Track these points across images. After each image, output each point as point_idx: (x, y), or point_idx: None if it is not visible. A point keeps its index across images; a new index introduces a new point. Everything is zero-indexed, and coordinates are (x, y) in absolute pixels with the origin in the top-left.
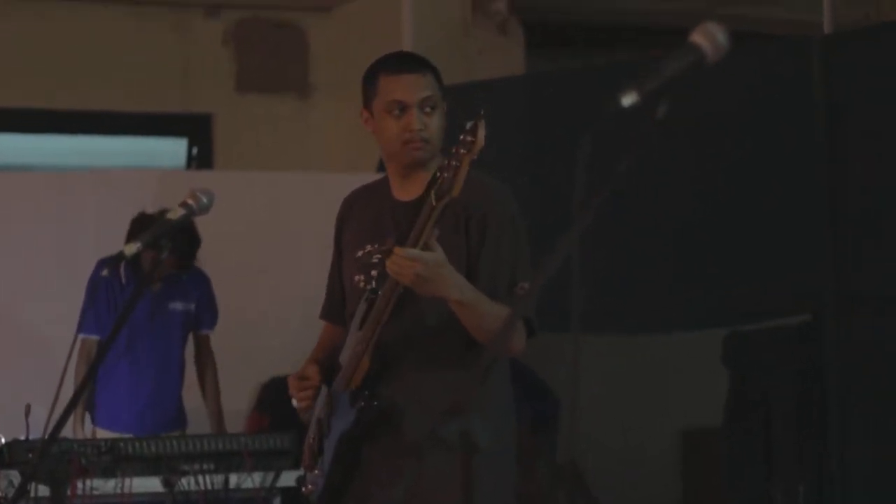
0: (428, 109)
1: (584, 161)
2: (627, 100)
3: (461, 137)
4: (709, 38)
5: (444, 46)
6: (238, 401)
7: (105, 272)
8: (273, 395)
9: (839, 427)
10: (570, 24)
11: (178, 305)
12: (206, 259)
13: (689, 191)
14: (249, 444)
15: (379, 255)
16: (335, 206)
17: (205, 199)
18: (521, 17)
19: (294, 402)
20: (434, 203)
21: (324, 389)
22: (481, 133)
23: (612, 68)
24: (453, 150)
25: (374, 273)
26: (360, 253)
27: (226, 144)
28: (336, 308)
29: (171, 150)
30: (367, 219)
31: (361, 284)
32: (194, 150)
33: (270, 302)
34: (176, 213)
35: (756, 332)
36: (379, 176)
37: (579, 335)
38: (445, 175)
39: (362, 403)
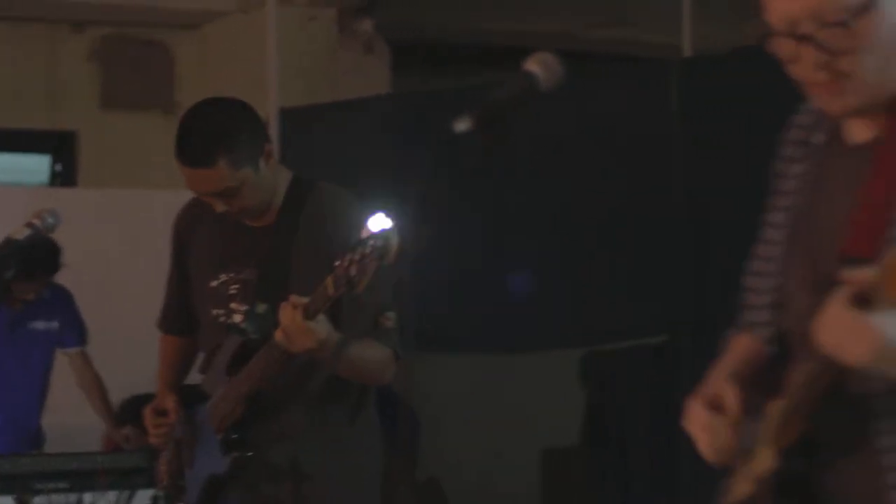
0: (227, 195)
1: (423, 184)
2: (461, 126)
3: (371, 243)
4: (542, 65)
5: (310, 66)
6: (95, 418)
7: None
8: (130, 414)
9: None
10: (436, 44)
11: (39, 324)
12: (70, 276)
13: (550, 212)
14: (104, 463)
15: (236, 287)
16: None
17: (50, 220)
18: (387, 37)
19: (150, 437)
20: (330, 292)
21: (181, 411)
22: (395, 242)
23: (477, 88)
24: (359, 252)
25: (233, 306)
26: (214, 283)
27: (90, 162)
28: (175, 320)
29: (35, 166)
30: (216, 242)
31: (221, 319)
32: (58, 167)
33: (132, 319)
34: (21, 233)
35: (613, 351)
36: None
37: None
38: (351, 272)
39: (236, 454)
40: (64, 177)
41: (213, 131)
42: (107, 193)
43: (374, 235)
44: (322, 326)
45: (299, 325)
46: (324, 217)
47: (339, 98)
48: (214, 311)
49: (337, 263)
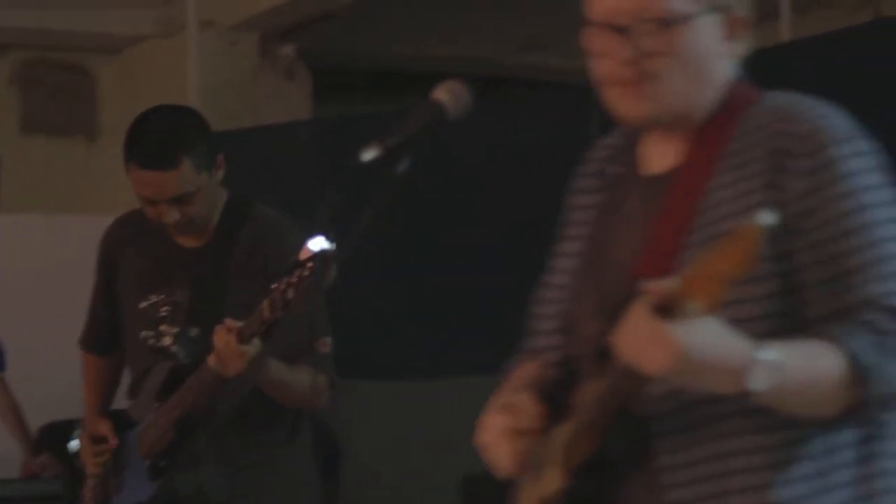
0: (184, 199)
1: (328, 214)
2: (368, 155)
3: (310, 265)
4: (450, 94)
5: (232, 90)
6: (13, 445)
7: None
8: (48, 441)
9: None
10: (356, 69)
11: None
12: None
13: (469, 238)
14: (22, 490)
15: (167, 308)
16: None
17: None
18: (309, 62)
19: (87, 465)
20: (266, 314)
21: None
22: (332, 265)
23: (395, 113)
24: (297, 276)
25: (163, 328)
26: (143, 304)
27: (11, 186)
28: (99, 339)
29: None
30: (146, 262)
31: (151, 341)
32: None
33: (50, 345)
34: None
35: None
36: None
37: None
38: (288, 294)
39: (163, 480)
40: None
41: (175, 133)
42: (27, 218)
43: (313, 257)
44: (255, 350)
45: (233, 349)
46: (262, 240)
47: (260, 123)
48: (143, 334)
49: (273, 286)
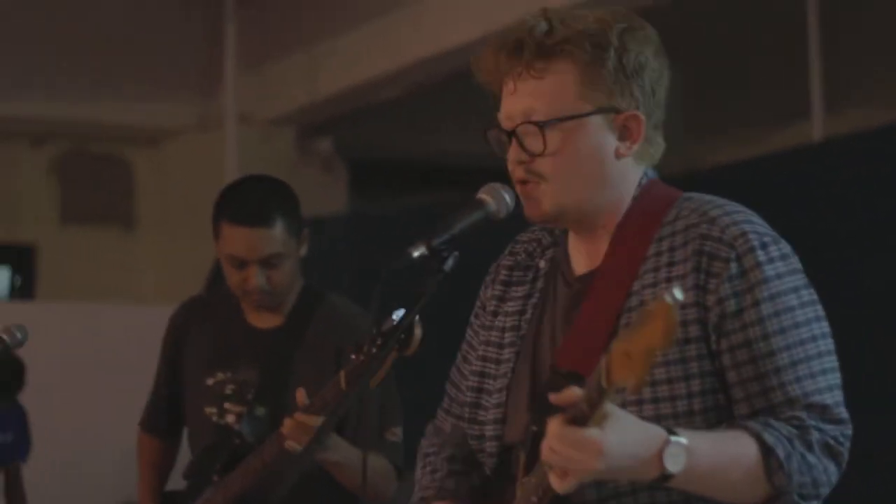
0: (273, 262)
1: (376, 309)
2: (416, 252)
3: (393, 334)
4: (494, 196)
5: None
6: None
7: None
8: None
9: None
10: (395, 163)
11: None
12: (26, 390)
13: None
14: None
15: (233, 387)
16: (154, 337)
17: (19, 335)
18: (345, 156)
19: None
20: (343, 386)
21: None
22: (417, 334)
23: (432, 207)
24: (374, 345)
25: (227, 406)
26: (210, 381)
27: (49, 275)
28: (159, 419)
29: None
30: (213, 340)
31: (214, 418)
32: (17, 280)
33: (92, 433)
34: None
35: None
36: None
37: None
38: (364, 364)
39: None
40: (23, 290)
41: (272, 194)
42: (64, 307)
43: (397, 325)
44: (319, 423)
45: (301, 420)
46: (334, 326)
47: None
48: (208, 410)
49: (353, 356)
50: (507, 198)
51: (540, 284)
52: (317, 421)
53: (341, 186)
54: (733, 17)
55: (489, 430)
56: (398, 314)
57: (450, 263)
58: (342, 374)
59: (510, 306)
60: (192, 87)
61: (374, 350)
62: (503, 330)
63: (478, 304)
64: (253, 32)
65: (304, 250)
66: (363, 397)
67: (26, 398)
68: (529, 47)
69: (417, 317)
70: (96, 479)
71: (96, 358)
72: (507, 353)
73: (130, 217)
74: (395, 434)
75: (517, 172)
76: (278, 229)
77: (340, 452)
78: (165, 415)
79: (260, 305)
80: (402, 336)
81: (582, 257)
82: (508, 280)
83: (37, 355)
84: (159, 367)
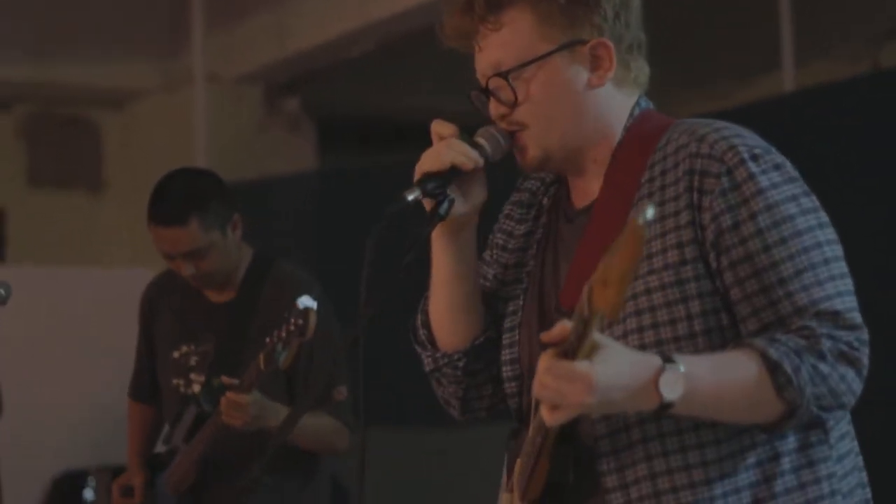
0: (197, 255)
1: (370, 257)
2: (411, 195)
3: (292, 320)
4: (489, 138)
5: (237, 143)
6: (27, 498)
7: None
8: (65, 489)
9: None
10: (361, 120)
11: None
12: None
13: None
14: None
15: (196, 358)
16: (122, 300)
17: (2, 291)
18: (313, 114)
19: None
20: (262, 367)
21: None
22: (312, 319)
23: (402, 165)
24: (284, 329)
25: (192, 377)
26: (176, 353)
27: (18, 238)
28: (144, 388)
29: None
30: (177, 315)
31: (181, 389)
32: None
33: (60, 396)
34: None
35: None
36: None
37: (367, 428)
38: (276, 347)
39: None
40: None
41: (185, 193)
42: (35, 270)
43: (295, 313)
44: (255, 399)
45: (233, 399)
46: (280, 297)
47: (266, 174)
48: (175, 381)
49: (268, 340)
50: (502, 140)
51: (543, 220)
52: (246, 398)
53: (310, 145)
54: None
55: (507, 371)
56: (303, 300)
57: (446, 207)
58: (261, 357)
59: (514, 243)
60: (158, 47)
61: (283, 335)
62: (506, 267)
63: (490, 238)
64: None
65: (237, 234)
66: (309, 363)
67: None
68: (478, 3)
69: (314, 304)
70: (68, 441)
71: (66, 320)
72: (516, 290)
73: (98, 179)
74: (342, 393)
75: (502, 126)
76: (194, 225)
77: (283, 418)
78: (148, 384)
79: (202, 287)
80: (301, 322)
81: (580, 192)
82: (512, 216)
83: (7, 318)
84: (138, 340)
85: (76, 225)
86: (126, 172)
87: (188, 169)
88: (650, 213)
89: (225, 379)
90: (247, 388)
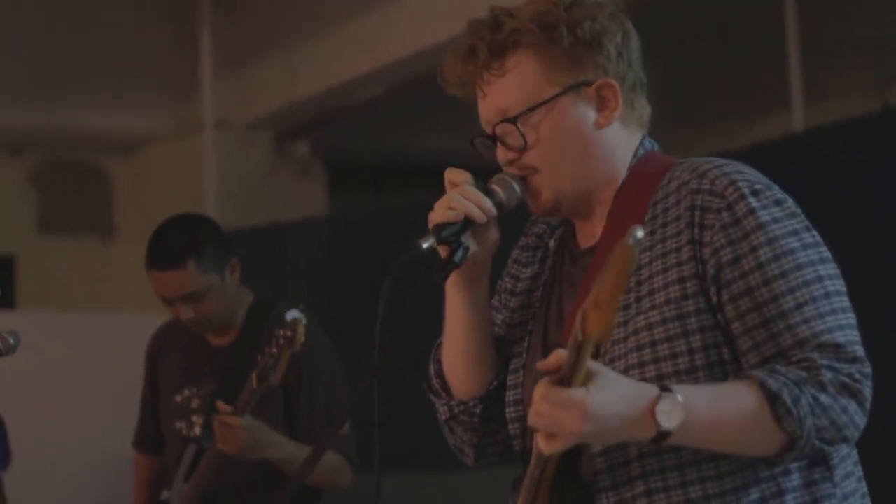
0: (195, 298)
1: (385, 302)
2: (426, 243)
3: (281, 332)
4: (503, 185)
5: (248, 188)
6: None
7: None
8: None
9: None
10: (372, 164)
11: None
12: (6, 399)
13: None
14: None
15: (198, 401)
16: (134, 345)
17: (12, 340)
18: (323, 159)
19: None
20: (255, 385)
21: None
22: (300, 329)
23: (413, 208)
24: (274, 344)
25: (194, 419)
26: (178, 397)
27: (29, 285)
28: (148, 439)
29: None
30: (181, 360)
31: (183, 432)
32: None
33: (71, 442)
34: None
35: None
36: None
37: (381, 473)
38: (268, 363)
39: None
40: (3, 300)
41: (183, 237)
42: (45, 316)
43: (283, 325)
44: (248, 423)
45: (226, 422)
46: None
47: (276, 219)
48: (178, 425)
49: (259, 358)
50: (517, 187)
51: (549, 262)
52: (237, 420)
53: (320, 189)
54: (711, 10)
55: (511, 412)
56: (290, 314)
57: (460, 255)
58: (253, 375)
59: (521, 286)
60: (168, 93)
61: (273, 350)
62: (513, 310)
63: (498, 284)
64: (228, 36)
65: (235, 277)
66: (310, 398)
67: (6, 408)
68: (482, 50)
69: (300, 313)
70: (77, 488)
71: (77, 366)
72: (521, 332)
73: (109, 225)
74: (344, 429)
75: (512, 171)
76: (191, 269)
77: (284, 450)
78: (153, 433)
79: (202, 331)
80: (290, 334)
81: (586, 233)
82: (520, 260)
83: (18, 364)
84: (143, 388)
85: (87, 271)
86: (137, 218)
87: (185, 215)
88: (639, 233)
89: (220, 404)
90: (240, 411)
